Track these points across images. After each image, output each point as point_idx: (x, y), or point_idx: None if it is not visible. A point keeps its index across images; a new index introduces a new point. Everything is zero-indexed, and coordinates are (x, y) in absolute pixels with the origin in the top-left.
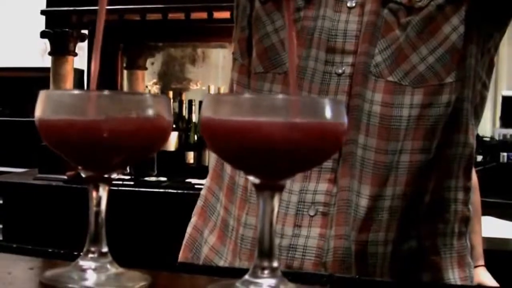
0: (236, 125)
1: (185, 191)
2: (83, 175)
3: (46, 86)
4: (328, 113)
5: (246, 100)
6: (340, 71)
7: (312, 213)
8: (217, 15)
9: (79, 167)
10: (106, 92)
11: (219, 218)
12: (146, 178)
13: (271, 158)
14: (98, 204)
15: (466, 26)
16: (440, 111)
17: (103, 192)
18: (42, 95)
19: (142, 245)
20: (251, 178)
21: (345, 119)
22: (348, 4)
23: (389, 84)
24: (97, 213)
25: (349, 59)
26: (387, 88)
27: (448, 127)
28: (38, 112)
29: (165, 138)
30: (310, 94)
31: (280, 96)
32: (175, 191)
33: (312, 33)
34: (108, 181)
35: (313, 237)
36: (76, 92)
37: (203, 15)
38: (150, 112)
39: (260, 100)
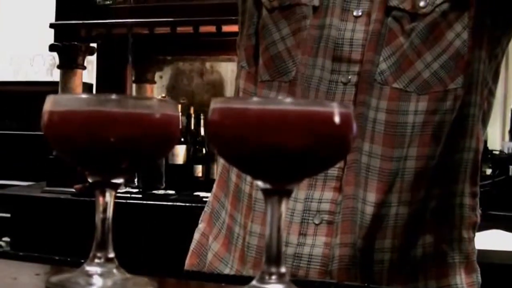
0: (243, 127)
1: (193, 204)
2: (90, 180)
3: None
4: (336, 117)
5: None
6: (346, 80)
7: (317, 222)
8: (226, 29)
9: (87, 172)
10: (113, 96)
11: (224, 225)
12: (154, 191)
13: (281, 161)
14: (105, 210)
15: (474, 31)
16: (445, 117)
17: (110, 198)
18: (49, 99)
19: (149, 258)
20: (259, 183)
21: (353, 123)
22: (354, 13)
23: (394, 91)
24: (104, 219)
25: (355, 68)
26: (392, 95)
27: (454, 133)
28: (45, 116)
29: (172, 141)
30: None
31: (290, 99)
32: (183, 204)
33: (318, 42)
34: (115, 187)
35: (319, 245)
36: (84, 95)
37: (212, 28)
38: (158, 114)
39: (267, 101)
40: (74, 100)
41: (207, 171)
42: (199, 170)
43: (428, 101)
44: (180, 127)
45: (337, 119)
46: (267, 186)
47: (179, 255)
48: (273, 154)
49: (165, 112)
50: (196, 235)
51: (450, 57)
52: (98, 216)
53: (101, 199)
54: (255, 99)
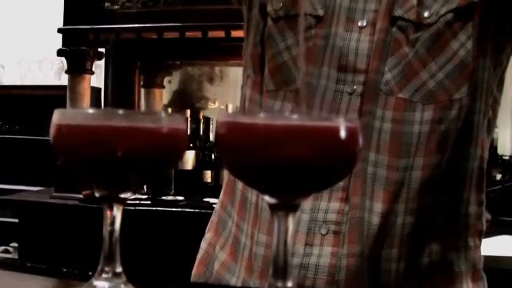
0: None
1: (202, 211)
2: (97, 195)
3: (63, 105)
4: (343, 132)
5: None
6: (351, 90)
7: (323, 232)
8: (235, 33)
9: (94, 186)
10: (120, 111)
11: (231, 234)
12: (163, 197)
13: (288, 176)
14: (112, 223)
15: (478, 40)
16: (451, 126)
17: (117, 212)
18: (56, 113)
19: (159, 265)
20: (266, 197)
21: (360, 138)
22: (359, 24)
23: (400, 101)
24: (111, 232)
25: (361, 78)
26: (397, 105)
27: (459, 141)
28: (53, 130)
29: (179, 155)
30: (321, 112)
31: (297, 115)
32: (192, 210)
33: (323, 51)
34: (123, 201)
35: (325, 255)
36: (91, 110)
37: (221, 33)
38: (165, 129)
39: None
40: (82, 114)
41: (216, 177)
42: (208, 175)
43: (434, 111)
44: (188, 133)
45: (343, 133)
46: (274, 200)
47: (188, 261)
48: (280, 169)
49: (172, 126)
50: (203, 245)
51: (455, 67)
52: (106, 229)
53: (108, 212)
54: (262, 114)
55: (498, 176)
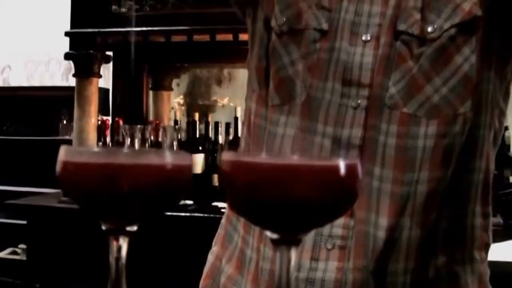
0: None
1: (211, 215)
2: (104, 228)
3: (71, 106)
4: (343, 170)
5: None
6: (355, 104)
7: (329, 247)
8: (243, 36)
9: (100, 220)
10: (126, 149)
11: (237, 248)
12: None
13: (289, 214)
14: (119, 251)
15: (482, 54)
16: (455, 140)
17: (124, 242)
18: (62, 150)
19: (167, 270)
20: (268, 233)
21: (360, 174)
22: (363, 38)
23: (404, 115)
24: (118, 259)
25: (365, 92)
26: (402, 120)
27: (464, 154)
28: (59, 166)
29: (184, 190)
30: (325, 127)
31: (298, 155)
32: (201, 215)
33: (328, 66)
34: (129, 234)
35: (331, 270)
36: (96, 149)
37: (229, 36)
38: (169, 166)
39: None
40: (88, 152)
41: None
42: (217, 179)
43: (438, 125)
44: (197, 136)
45: (343, 172)
46: (276, 236)
47: (197, 266)
48: (282, 207)
49: (176, 163)
50: (210, 257)
51: (459, 81)
52: (112, 256)
53: (114, 242)
54: (264, 153)
55: (511, 179)
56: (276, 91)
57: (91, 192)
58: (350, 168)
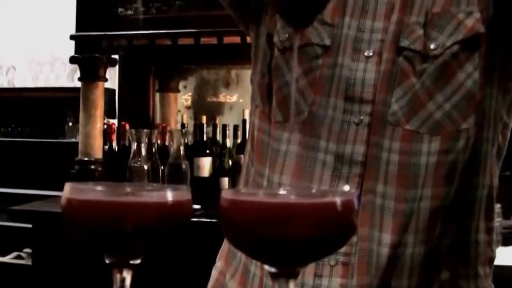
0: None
1: None
2: (108, 261)
3: (76, 107)
4: (339, 207)
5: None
6: (358, 120)
7: (332, 263)
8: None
9: (103, 255)
10: (128, 187)
11: (240, 264)
12: None
13: (288, 250)
14: (122, 282)
15: (485, 70)
16: (458, 156)
17: (127, 274)
18: (67, 187)
19: (176, 276)
20: (266, 267)
21: (356, 207)
22: (366, 54)
23: (407, 132)
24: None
25: (367, 108)
26: (404, 137)
27: (467, 170)
28: (63, 203)
29: (185, 225)
30: (328, 143)
31: (294, 194)
32: (209, 220)
33: (330, 82)
34: (132, 267)
35: (334, 287)
36: (99, 187)
37: (236, 39)
38: (170, 202)
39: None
40: (92, 190)
41: (234, 184)
42: (225, 182)
43: (441, 142)
44: (204, 139)
45: (340, 208)
46: (275, 270)
47: (205, 272)
48: (280, 244)
49: (176, 199)
50: (214, 273)
51: (461, 97)
52: (116, 286)
53: (118, 275)
54: (261, 191)
55: None
56: (278, 108)
57: (94, 229)
58: (347, 203)
